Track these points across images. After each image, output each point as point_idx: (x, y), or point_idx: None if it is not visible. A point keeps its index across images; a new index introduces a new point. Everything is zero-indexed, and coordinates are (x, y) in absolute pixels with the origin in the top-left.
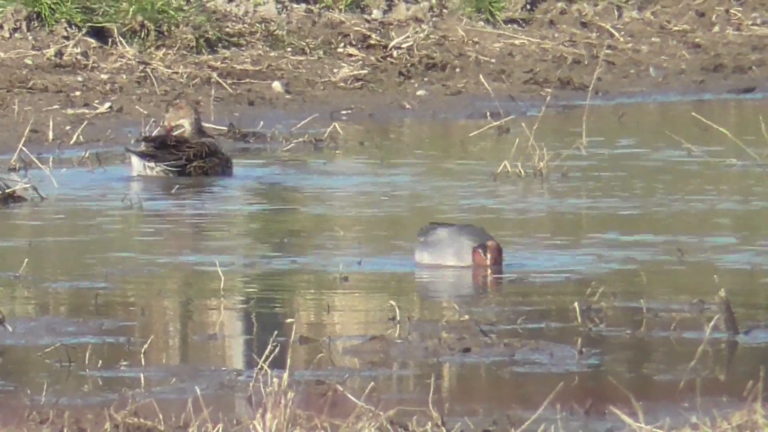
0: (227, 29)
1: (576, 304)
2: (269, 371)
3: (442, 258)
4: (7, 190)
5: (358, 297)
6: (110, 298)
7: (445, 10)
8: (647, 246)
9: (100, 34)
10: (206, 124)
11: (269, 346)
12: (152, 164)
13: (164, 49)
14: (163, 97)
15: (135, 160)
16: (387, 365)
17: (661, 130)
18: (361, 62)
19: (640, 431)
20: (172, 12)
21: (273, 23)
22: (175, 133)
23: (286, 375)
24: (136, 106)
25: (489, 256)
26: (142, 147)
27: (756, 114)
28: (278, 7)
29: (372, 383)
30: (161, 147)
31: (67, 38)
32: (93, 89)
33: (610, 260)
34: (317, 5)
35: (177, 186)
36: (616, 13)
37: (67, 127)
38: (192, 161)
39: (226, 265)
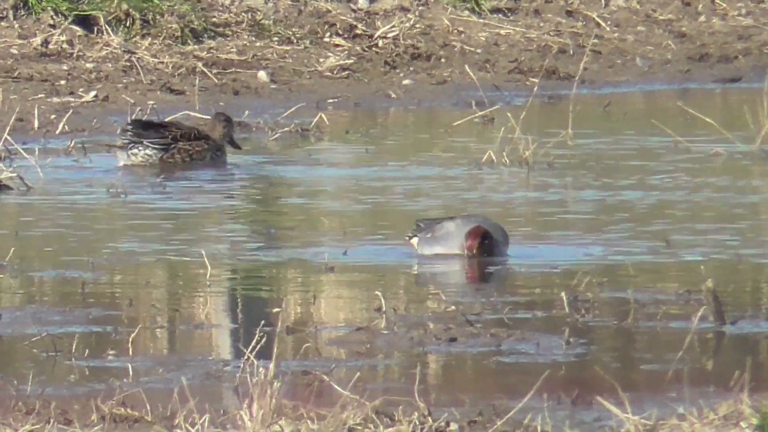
0: (213, 19)
1: (563, 294)
2: (256, 361)
3: (451, 249)
4: None
5: (344, 287)
6: (97, 287)
7: (430, 0)
8: (633, 236)
9: (86, 22)
10: (191, 113)
11: (256, 337)
12: (135, 150)
13: (150, 38)
14: (148, 86)
15: (118, 151)
16: (373, 355)
17: (647, 119)
18: (347, 52)
19: (626, 421)
20: (157, 1)
21: (259, 13)
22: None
23: (272, 365)
24: (122, 95)
25: (468, 242)
26: (126, 134)
27: (741, 103)
28: None
29: (358, 373)
30: (147, 127)
31: (53, 27)
32: (78, 78)
33: (596, 251)
34: None
35: (163, 176)
36: (602, 2)
37: (53, 116)
38: (178, 141)
39: (212, 256)
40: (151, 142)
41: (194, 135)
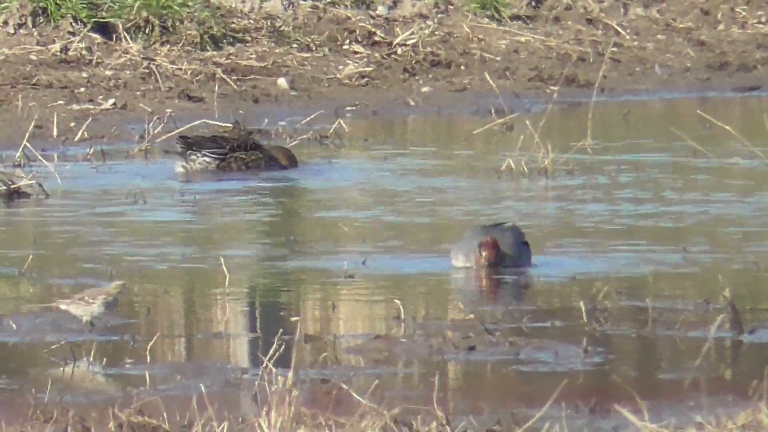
0: (232, 25)
1: (581, 303)
2: (274, 369)
3: (457, 260)
4: (12, 186)
5: (363, 296)
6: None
7: (450, 7)
8: (652, 245)
9: (105, 29)
10: (210, 121)
11: (274, 345)
12: (194, 157)
13: (169, 45)
14: (167, 93)
15: (176, 159)
16: (392, 364)
17: (666, 127)
18: (366, 59)
19: (644, 430)
20: (176, 8)
21: (279, 19)
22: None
23: (291, 373)
24: (140, 103)
25: (483, 254)
26: (184, 141)
27: (760, 112)
28: (284, 3)
29: (376, 381)
30: (203, 140)
31: (72, 34)
32: (97, 85)
33: (615, 260)
34: (323, 1)
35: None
36: (621, 10)
37: (72, 124)
38: (235, 151)
39: (231, 263)
40: (209, 151)
41: (251, 145)
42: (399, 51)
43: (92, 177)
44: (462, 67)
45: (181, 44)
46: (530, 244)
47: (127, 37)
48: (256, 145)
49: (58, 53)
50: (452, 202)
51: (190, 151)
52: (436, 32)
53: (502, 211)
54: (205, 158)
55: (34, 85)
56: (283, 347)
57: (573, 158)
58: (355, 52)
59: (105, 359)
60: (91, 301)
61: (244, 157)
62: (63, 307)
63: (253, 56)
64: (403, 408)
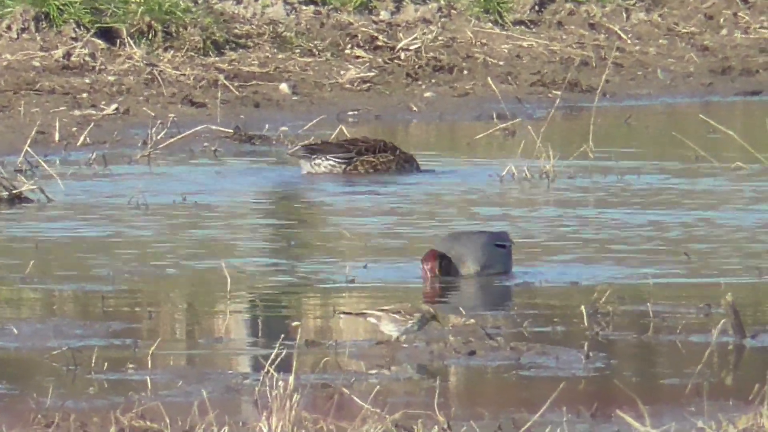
0: (235, 31)
1: (583, 307)
2: (275, 374)
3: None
4: (14, 192)
5: (365, 300)
6: (117, 300)
7: (453, 11)
8: (654, 250)
9: (108, 35)
10: (213, 126)
11: (275, 350)
12: (319, 161)
13: (172, 51)
14: (170, 98)
15: (302, 161)
16: (393, 369)
17: (669, 132)
18: (368, 64)
19: None
20: (179, 13)
21: (281, 25)
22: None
23: (292, 378)
24: (143, 108)
25: (425, 267)
26: (305, 149)
27: (763, 116)
28: (287, 8)
29: (378, 387)
30: (329, 145)
31: (75, 39)
32: (100, 91)
33: (617, 264)
34: (326, 7)
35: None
36: (624, 14)
37: (74, 129)
38: (362, 155)
39: (233, 269)
40: (334, 157)
41: (380, 147)
42: (402, 56)
43: (95, 182)
44: (465, 72)
45: (184, 50)
46: (530, 251)
47: (131, 43)
48: (386, 147)
49: (61, 59)
50: (453, 207)
51: (314, 156)
52: (439, 37)
53: (504, 216)
54: (330, 162)
55: (36, 90)
56: (284, 352)
57: (575, 164)
58: (358, 57)
59: (107, 364)
60: (408, 317)
61: (372, 160)
62: (372, 319)
63: (256, 62)
64: (404, 413)
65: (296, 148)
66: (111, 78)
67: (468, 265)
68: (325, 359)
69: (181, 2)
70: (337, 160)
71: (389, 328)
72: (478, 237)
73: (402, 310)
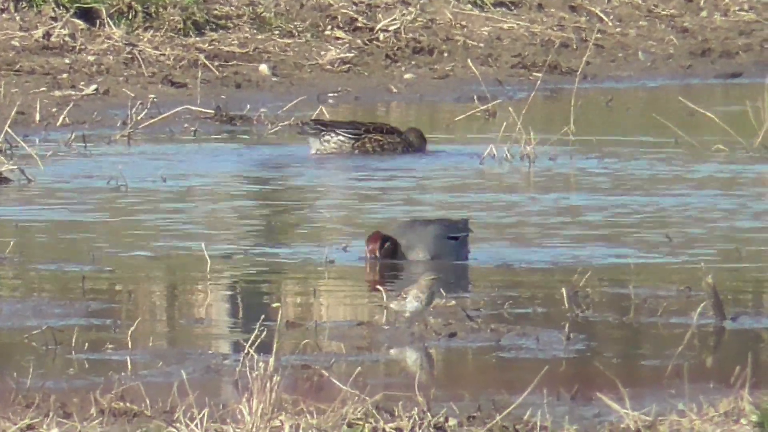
0: (215, 11)
1: (563, 289)
2: (255, 355)
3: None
4: None
5: (345, 282)
6: (97, 280)
7: None
8: (634, 232)
9: (88, 15)
10: (193, 107)
11: (256, 331)
12: (328, 137)
13: (152, 31)
14: (149, 79)
15: (311, 138)
16: (373, 350)
17: (649, 114)
18: (348, 45)
19: (626, 417)
20: None
21: (261, 6)
22: None
23: (272, 359)
24: (123, 88)
25: (368, 247)
26: (314, 124)
27: (743, 98)
28: None
29: (358, 368)
30: (338, 122)
31: (54, 19)
32: (80, 71)
33: (598, 246)
34: None
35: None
36: None
37: (54, 109)
38: (370, 133)
39: (213, 249)
40: (344, 131)
41: (387, 129)
42: (381, 37)
43: (74, 162)
44: (444, 54)
45: (164, 30)
46: (510, 232)
47: (110, 23)
48: (392, 129)
49: (41, 39)
50: (433, 190)
51: (323, 132)
52: (419, 18)
53: (483, 200)
54: (340, 138)
55: (16, 71)
56: (264, 333)
57: (556, 146)
58: (337, 38)
59: (86, 345)
60: (403, 296)
61: (380, 138)
62: (392, 306)
63: (235, 42)
64: (384, 394)
65: (305, 124)
66: (91, 58)
67: (418, 252)
68: (305, 341)
69: None
70: (347, 135)
71: (396, 309)
72: (433, 228)
73: (402, 291)
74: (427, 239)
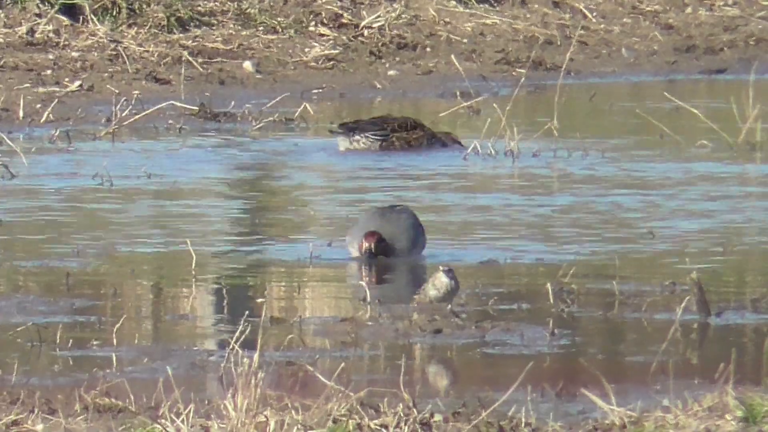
0: (198, 8)
1: (548, 285)
2: (240, 351)
3: (353, 249)
4: None
5: (329, 278)
6: (82, 277)
7: None
8: (619, 228)
9: (72, 11)
10: (177, 103)
11: (240, 327)
12: (358, 137)
13: (136, 28)
14: (134, 75)
15: (340, 138)
16: (358, 346)
17: (633, 110)
18: (332, 42)
19: (611, 413)
20: None
21: (245, 2)
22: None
23: (256, 355)
24: (107, 85)
25: (365, 245)
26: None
27: (727, 95)
28: None
29: (343, 364)
30: (364, 123)
31: (39, 15)
32: (64, 67)
33: (583, 243)
34: None
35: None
36: None
37: (38, 106)
38: (396, 132)
39: (198, 246)
40: (373, 134)
41: (410, 124)
42: (365, 33)
43: (58, 159)
44: (428, 50)
45: (148, 26)
46: (494, 229)
47: (94, 20)
48: (416, 124)
49: (25, 35)
50: (415, 186)
51: (353, 132)
52: (403, 15)
53: (467, 195)
54: (368, 139)
55: (0, 67)
56: (249, 329)
57: (540, 142)
58: (322, 35)
59: (71, 341)
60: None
61: (406, 136)
62: (419, 296)
63: (219, 39)
64: (369, 390)
65: (333, 126)
66: (75, 54)
67: (402, 243)
68: (289, 336)
69: None
70: (375, 136)
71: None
72: (406, 216)
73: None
74: (407, 228)
